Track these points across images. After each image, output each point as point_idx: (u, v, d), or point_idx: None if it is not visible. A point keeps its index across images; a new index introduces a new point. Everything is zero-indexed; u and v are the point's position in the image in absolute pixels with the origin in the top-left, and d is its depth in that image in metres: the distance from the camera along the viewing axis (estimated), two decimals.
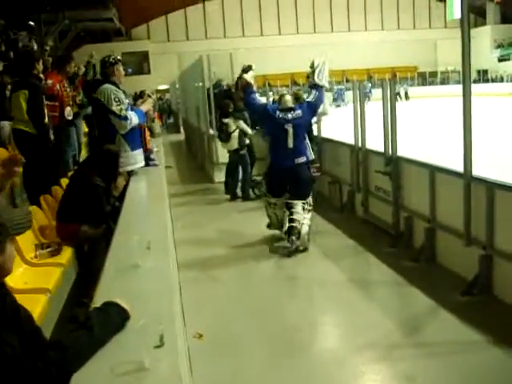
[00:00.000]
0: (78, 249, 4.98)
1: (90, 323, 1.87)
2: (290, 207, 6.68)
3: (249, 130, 10.02)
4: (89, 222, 4.90)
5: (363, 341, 4.39)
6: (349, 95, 34.26)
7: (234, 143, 10.00)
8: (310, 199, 6.88)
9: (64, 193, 5.34)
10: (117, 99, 5.16)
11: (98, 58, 7.65)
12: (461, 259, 5.48)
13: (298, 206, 6.68)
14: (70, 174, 7.05)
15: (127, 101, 5.43)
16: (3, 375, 1.61)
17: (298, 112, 6.72)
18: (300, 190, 6.79)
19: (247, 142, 10.15)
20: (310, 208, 6.88)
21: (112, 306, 2.00)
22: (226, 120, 10.03)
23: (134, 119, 5.30)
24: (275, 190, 6.96)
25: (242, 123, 9.96)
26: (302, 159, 6.77)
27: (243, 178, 10.18)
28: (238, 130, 9.94)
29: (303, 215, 6.68)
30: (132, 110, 5.43)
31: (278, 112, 6.71)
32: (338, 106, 33.72)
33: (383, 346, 4.29)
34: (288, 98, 6.92)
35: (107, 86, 5.25)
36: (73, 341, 1.80)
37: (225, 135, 10.02)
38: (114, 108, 5.14)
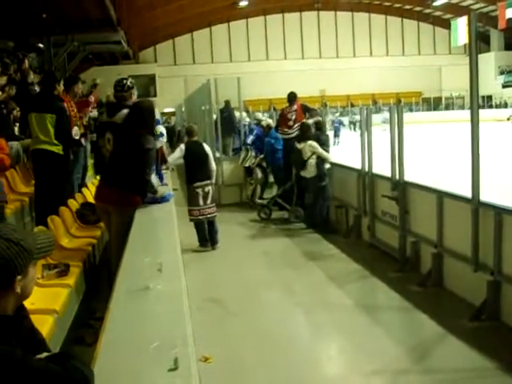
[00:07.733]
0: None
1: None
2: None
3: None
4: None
5: (370, 367, 4.36)
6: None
7: None
8: None
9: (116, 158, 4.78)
10: None
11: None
12: (468, 285, 5.45)
13: None
14: (76, 194, 7.11)
15: None
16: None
17: None
18: None
19: None
20: None
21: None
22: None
23: (163, 130, 5.20)
24: None
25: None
26: None
27: None
28: None
29: None
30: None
31: None
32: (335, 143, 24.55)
33: (391, 373, 4.27)
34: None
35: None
36: None
37: None
38: None
